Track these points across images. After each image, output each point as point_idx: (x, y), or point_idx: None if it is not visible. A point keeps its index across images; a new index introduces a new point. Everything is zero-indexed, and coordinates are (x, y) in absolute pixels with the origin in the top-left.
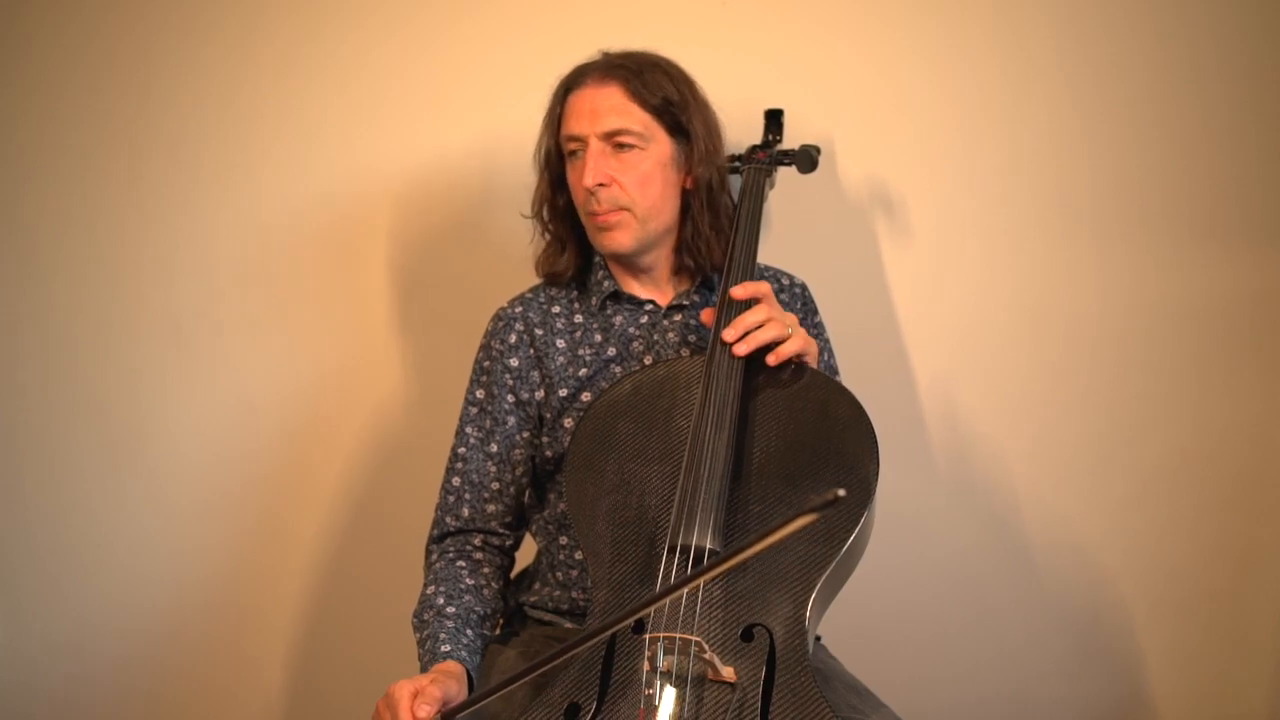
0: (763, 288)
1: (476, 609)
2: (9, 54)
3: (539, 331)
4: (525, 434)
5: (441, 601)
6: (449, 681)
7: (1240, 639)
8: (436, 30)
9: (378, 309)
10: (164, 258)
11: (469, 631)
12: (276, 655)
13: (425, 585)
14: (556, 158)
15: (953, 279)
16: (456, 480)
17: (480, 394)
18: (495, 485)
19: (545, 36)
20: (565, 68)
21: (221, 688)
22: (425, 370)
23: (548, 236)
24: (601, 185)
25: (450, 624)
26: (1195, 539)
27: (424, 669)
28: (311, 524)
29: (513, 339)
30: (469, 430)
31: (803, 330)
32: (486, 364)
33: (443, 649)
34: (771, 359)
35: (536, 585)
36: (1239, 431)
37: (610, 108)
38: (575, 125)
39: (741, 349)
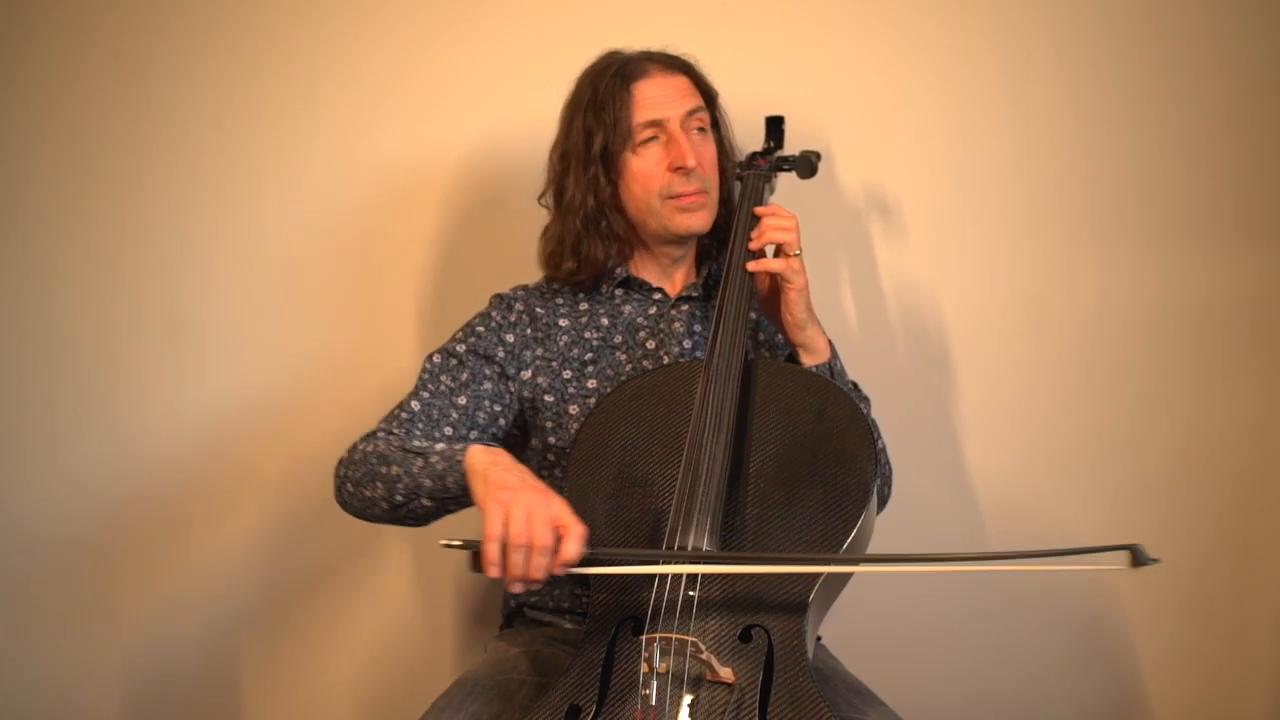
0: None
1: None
2: (10, 54)
3: (540, 311)
4: (497, 407)
5: (418, 443)
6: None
7: (1239, 639)
8: (437, 30)
9: (379, 308)
10: (164, 257)
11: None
12: (276, 654)
13: (367, 445)
14: (615, 149)
15: (953, 280)
16: (416, 405)
17: (461, 349)
18: (449, 430)
19: (545, 37)
20: (565, 67)
21: (221, 685)
22: None
23: (600, 226)
24: (697, 166)
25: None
26: (1195, 539)
27: (441, 470)
28: (312, 523)
29: (513, 317)
30: (443, 379)
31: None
32: (480, 329)
33: (471, 442)
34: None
35: None
36: (1239, 431)
37: (687, 92)
38: (656, 110)
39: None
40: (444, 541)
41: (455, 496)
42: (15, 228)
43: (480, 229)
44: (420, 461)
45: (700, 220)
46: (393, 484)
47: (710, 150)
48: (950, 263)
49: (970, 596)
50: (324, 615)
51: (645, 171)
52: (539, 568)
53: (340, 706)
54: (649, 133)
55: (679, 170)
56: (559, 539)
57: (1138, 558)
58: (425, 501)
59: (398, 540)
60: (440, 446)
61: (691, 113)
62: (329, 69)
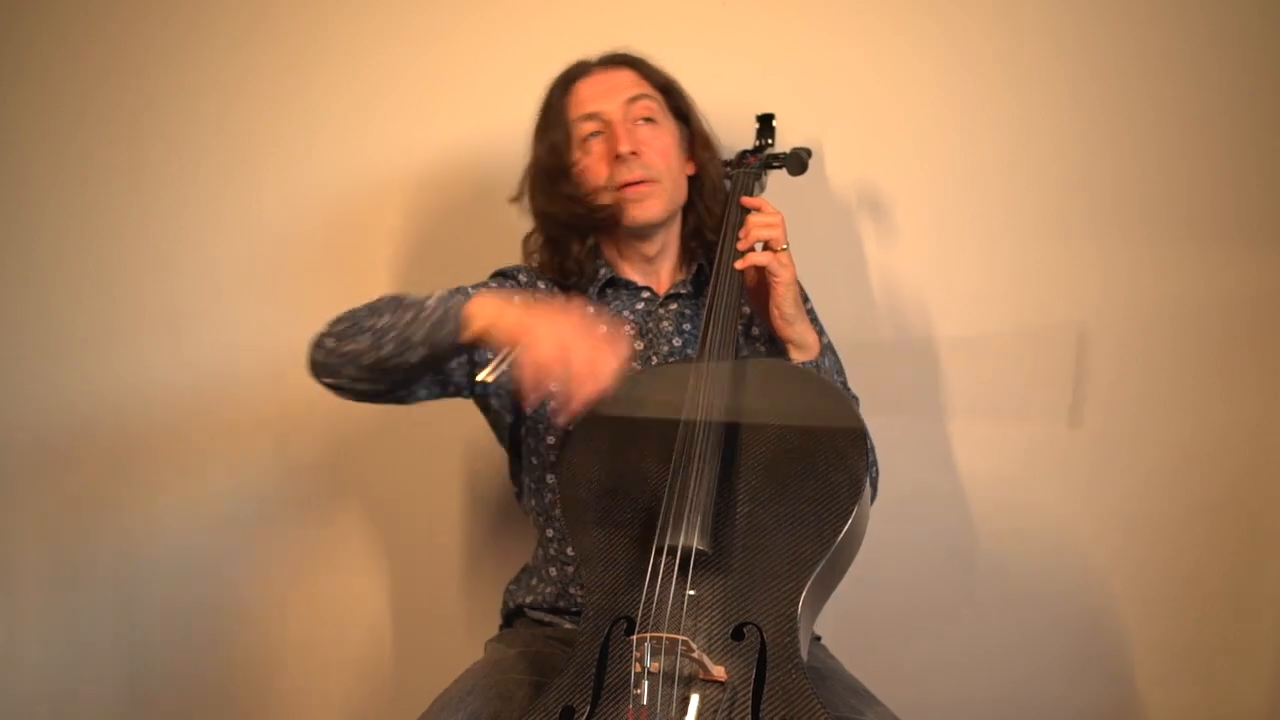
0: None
1: None
2: (10, 53)
3: (540, 285)
4: (489, 354)
5: (410, 297)
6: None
7: (1238, 639)
8: (437, 31)
9: None
10: (164, 257)
11: None
12: (275, 654)
13: (356, 308)
14: (566, 153)
15: (946, 279)
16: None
17: (471, 290)
18: None
19: (543, 38)
20: (563, 67)
21: (220, 685)
22: None
23: (573, 236)
24: (634, 153)
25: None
26: (1193, 539)
27: (438, 318)
28: (310, 523)
29: (515, 285)
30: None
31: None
32: (492, 285)
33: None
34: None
35: (534, 582)
36: (1239, 431)
37: (628, 83)
38: (593, 104)
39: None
40: (482, 374)
41: (448, 349)
42: (15, 227)
43: (477, 229)
44: (412, 312)
45: (649, 210)
46: (380, 336)
47: (662, 139)
48: (946, 262)
49: (970, 597)
50: (323, 615)
51: (592, 166)
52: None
53: (339, 707)
54: (589, 127)
55: (618, 159)
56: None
57: None
58: (418, 352)
59: (397, 541)
60: (432, 301)
61: (632, 100)
62: (328, 69)
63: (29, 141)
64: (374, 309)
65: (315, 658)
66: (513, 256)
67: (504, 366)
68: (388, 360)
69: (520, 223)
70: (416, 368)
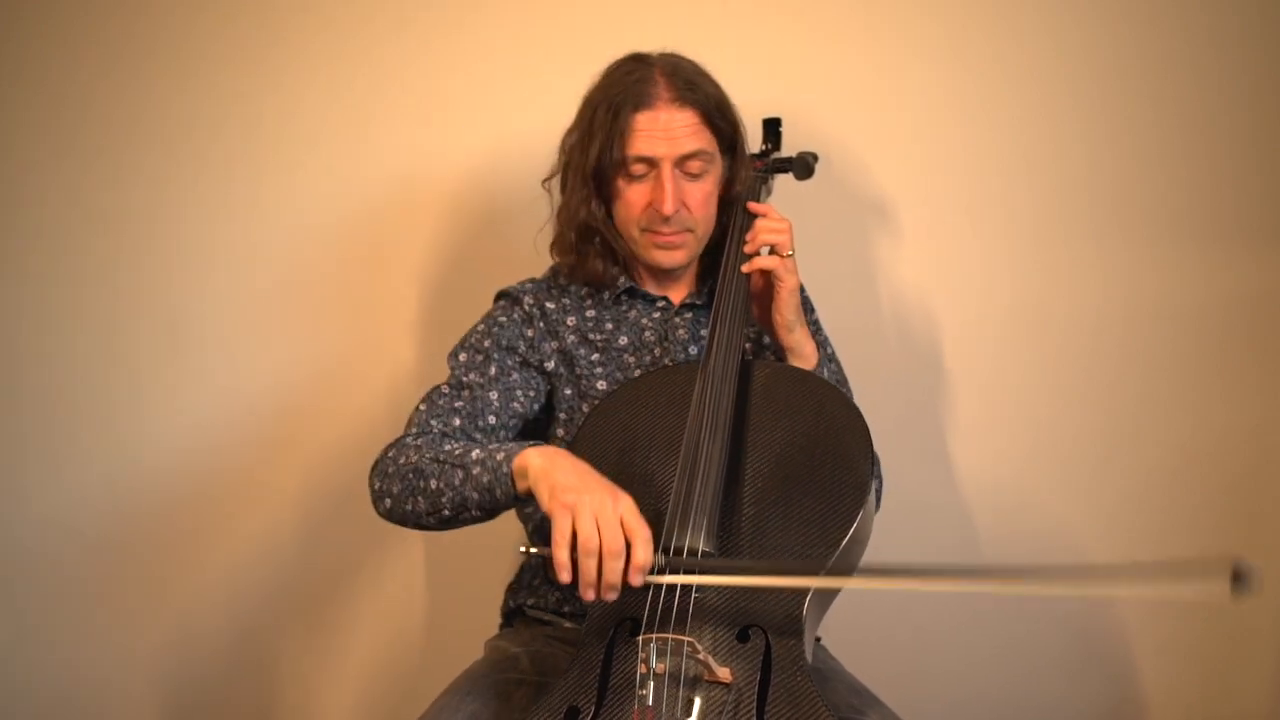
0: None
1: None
2: (11, 55)
3: (550, 306)
4: (530, 392)
5: (450, 446)
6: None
7: (1240, 639)
8: (439, 32)
9: (379, 311)
10: (164, 259)
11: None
12: (275, 655)
13: (399, 456)
14: (608, 170)
15: (951, 281)
16: (458, 404)
17: (487, 343)
18: (492, 420)
19: (545, 40)
20: (564, 71)
21: (220, 686)
22: (426, 374)
23: (592, 244)
24: (674, 213)
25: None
26: (1195, 539)
27: (487, 483)
28: (310, 526)
29: (527, 311)
30: (472, 374)
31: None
32: (503, 320)
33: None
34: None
35: (537, 583)
36: (1239, 431)
37: (689, 132)
38: (648, 147)
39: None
40: (524, 547)
41: (506, 506)
42: (16, 228)
43: (479, 231)
44: (460, 474)
45: (675, 259)
46: (436, 499)
47: (703, 190)
48: (948, 264)
49: (970, 597)
50: (323, 616)
51: (630, 202)
52: (613, 572)
53: (340, 707)
54: (640, 168)
55: (658, 212)
56: (629, 544)
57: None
58: (475, 513)
59: (397, 541)
60: (477, 453)
61: (688, 156)
62: (330, 71)
63: (28, 146)
64: (419, 470)
65: (314, 660)
66: (516, 259)
67: (547, 553)
68: (452, 520)
69: (524, 220)
70: (484, 518)
